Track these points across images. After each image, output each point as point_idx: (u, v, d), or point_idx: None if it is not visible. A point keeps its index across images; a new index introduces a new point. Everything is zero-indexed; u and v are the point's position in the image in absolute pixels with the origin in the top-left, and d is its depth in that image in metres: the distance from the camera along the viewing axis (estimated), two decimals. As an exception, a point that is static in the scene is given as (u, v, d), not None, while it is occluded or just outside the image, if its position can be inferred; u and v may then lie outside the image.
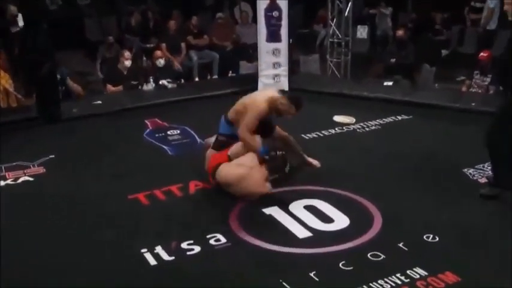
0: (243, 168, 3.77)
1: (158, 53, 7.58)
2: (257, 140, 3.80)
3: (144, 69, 7.84)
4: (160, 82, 7.16)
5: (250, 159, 3.79)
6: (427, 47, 8.68)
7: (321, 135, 5.36)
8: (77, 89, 6.63)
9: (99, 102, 6.46)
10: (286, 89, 7.04)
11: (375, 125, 5.67)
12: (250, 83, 6.87)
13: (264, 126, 4.06)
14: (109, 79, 7.12)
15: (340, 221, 3.54)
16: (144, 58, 8.49)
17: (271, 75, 6.97)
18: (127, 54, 7.09)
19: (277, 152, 3.87)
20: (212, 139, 4.30)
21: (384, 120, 5.78)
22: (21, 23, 7.23)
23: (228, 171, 3.83)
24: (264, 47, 7.06)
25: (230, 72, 8.37)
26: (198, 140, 5.28)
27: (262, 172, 3.76)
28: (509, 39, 3.56)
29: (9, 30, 7.33)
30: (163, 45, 8.22)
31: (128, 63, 7.04)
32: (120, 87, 6.98)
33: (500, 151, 3.61)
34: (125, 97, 6.65)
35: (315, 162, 4.41)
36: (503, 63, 3.56)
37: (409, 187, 4.05)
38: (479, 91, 6.58)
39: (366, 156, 4.71)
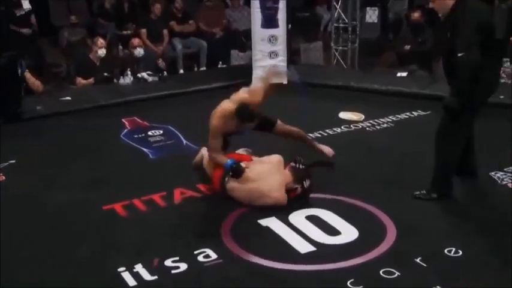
0: (268, 165, 3.96)
1: (136, 41, 7.60)
2: (223, 157, 4.00)
3: (120, 60, 7.85)
4: (139, 75, 7.17)
5: (276, 159, 4.00)
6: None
7: (325, 134, 5.38)
8: (34, 85, 6.52)
9: (68, 98, 6.46)
10: (285, 82, 7.07)
11: (387, 122, 5.70)
12: (243, 76, 6.90)
13: (261, 122, 4.22)
14: (79, 71, 7.11)
15: (348, 233, 3.56)
16: (120, 47, 8.49)
17: (268, 67, 6.99)
18: (100, 42, 7.10)
19: (300, 165, 4.00)
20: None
21: (397, 117, 5.81)
22: (26, 5, 7.48)
23: (252, 167, 3.96)
24: (259, 33, 7.09)
25: (220, 63, 8.39)
26: (184, 141, 5.29)
27: (286, 175, 3.92)
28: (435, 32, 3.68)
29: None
30: (143, 31, 8.23)
31: (101, 52, 7.04)
32: (91, 80, 6.97)
33: (445, 154, 3.80)
34: (98, 92, 6.66)
35: (327, 149, 4.56)
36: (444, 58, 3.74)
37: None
38: (509, 81, 6.55)
39: (377, 158, 4.73)
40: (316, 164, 4.33)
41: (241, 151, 4.40)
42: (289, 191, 3.92)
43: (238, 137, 4.31)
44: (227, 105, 4.06)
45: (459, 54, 3.51)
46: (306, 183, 3.95)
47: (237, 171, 3.90)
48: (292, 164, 4.01)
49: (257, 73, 7.05)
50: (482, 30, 3.56)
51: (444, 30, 3.77)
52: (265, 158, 4.09)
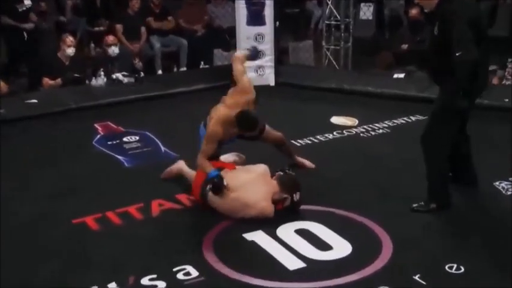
0: (252, 174, 3.97)
1: (111, 38, 7.57)
2: (210, 166, 4.00)
3: (92, 59, 7.82)
4: (113, 76, 7.15)
5: (261, 168, 4.02)
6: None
7: (316, 141, 5.40)
8: None
9: (35, 101, 6.42)
10: (272, 83, 7.09)
11: (383, 127, 5.73)
12: (227, 77, 6.90)
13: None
14: (45, 70, 7.04)
15: (341, 247, 3.56)
16: (93, 45, 8.47)
17: (253, 67, 7.02)
18: (69, 40, 7.06)
19: (286, 171, 4.02)
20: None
21: (394, 122, 5.85)
22: (27, 1, 7.66)
23: (235, 176, 3.97)
24: (244, 31, 7.11)
25: (202, 63, 8.40)
26: (163, 148, 5.28)
27: (272, 185, 3.93)
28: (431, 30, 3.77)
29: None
30: (118, 27, 8.19)
31: (70, 51, 7.00)
32: (58, 81, 6.91)
33: (435, 160, 3.88)
34: (68, 94, 6.62)
35: (308, 162, 4.67)
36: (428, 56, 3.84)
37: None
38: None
39: (372, 166, 4.76)
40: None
41: (230, 156, 4.40)
42: (276, 201, 3.92)
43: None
44: (225, 112, 4.07)
45: (457, 54, 3.56)
46: (296, 195, 3.95)
47: (216, 187, 3.88)
48: (280, 172, 4.02)
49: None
50: (473, 26, 3.64)
51: (430, 26, 3.83)
52: (250, 167, 4.10)
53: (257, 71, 7.12)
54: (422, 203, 3.96)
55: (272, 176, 4.02)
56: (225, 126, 4.04)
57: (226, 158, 4.36)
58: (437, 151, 3.89)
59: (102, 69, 7.15)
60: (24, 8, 7.73)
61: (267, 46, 7.14)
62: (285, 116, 5.63)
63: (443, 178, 3.97)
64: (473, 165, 4.22)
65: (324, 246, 3.58)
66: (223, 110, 4.10)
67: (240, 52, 4.68)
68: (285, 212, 3.93)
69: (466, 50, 3.55)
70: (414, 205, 3.97)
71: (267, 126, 4.47)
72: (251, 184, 3.92)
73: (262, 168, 4.04)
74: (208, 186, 3.93)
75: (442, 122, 3.82)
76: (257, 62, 7.07)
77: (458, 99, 3.70)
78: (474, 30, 3.63)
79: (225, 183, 3.88)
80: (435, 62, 3.85)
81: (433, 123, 3.88)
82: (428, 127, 3.91)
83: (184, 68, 8.50)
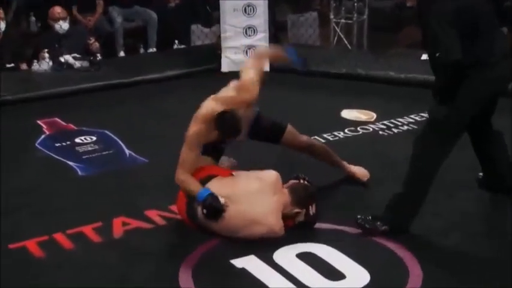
0: (259, 182, 3.95)
1: (58, 10, 7.55)
2: (196, 183, 3.96)
3: (33, 38, 7.79)
4: (61, 58, 7.14)
5: (271, 176, 4.01)
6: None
7: (322, 140, 5.40)
8: None
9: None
10: (267, 68, 7.07)
11: (408, 123, 5.76)
12: (209, 60, 6.93)
13: (264, 129, 4.32)
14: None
15: (356, 276, 3.56)
16: (33, 18, 8.42)
17: (242, 48, 7.03)
18: (-1, 11, 7.07)
19: (300, 179, 4.03)
20: None
21: (421, 116, 5.87)
22: None
23: (235, 183, 3.98)
24: (230, 2, 7.12)
25: (176, 42, 8.39)
26: (127, 151, 5.28)
27: (283, 195, 3.94)
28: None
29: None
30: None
31: (1, 26, 6.99)
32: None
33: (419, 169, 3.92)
34: (2, 83, 6.59)
35: (361, 171, 4.64)
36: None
37: (466, 220, 4.10)
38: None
39: (393, 173, 4.73)
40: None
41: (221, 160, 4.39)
42: (286, 217, 3.92)
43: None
44: (211, 106, 4.06)
45: (437, 55, 3.63)
46: (312, 209, 3.95)
47: (212, 210, 3.85)
48: (293, 180, 4.02)
49: (227, 57, 7.08)
50: (466, 15, 3.69)
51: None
52: (256, 173, 4.07)
53: (247, 53, 7.12)
54: (370, 217, 3.95)
55: (283, 184, 4.02)
56: (208, 126, 4.00)
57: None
58: (425, 162, 3.89)
59: (46, 51, 7.13)
60: None
61: (260, 20, 7.17)
62: (282, 110, 5.61)
63: (419, 196, 3.94)
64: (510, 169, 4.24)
65: (334, 274, 3.57)
66: (210, 104, 4.07)
67: (266, 48, 4.48)
68: (296, 230, 3.94)
69: (446, 50, 3.61)
70: (358, 216, 3.97)
71: (289, 127, 4.44)
72: (257, 194, 3.89)
73: (272, 174, 4.01)
74: (203, 211, 3.89)
75: (442, 132, 3.83)
76: (247, 41, 7.08)
77: (435, 107, 3.75)
78: (466, 21, 3.67)
79: (222, 201, 3.84)
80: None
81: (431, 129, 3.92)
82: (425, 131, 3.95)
83: (154, 49, 8.50)
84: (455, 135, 3.86)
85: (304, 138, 4.55)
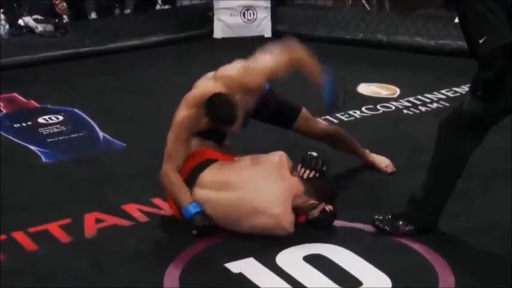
0: (263, 166, 3.97)
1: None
2: (183, 188, 4.00)
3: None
4: (20, 21, 7.14)
5: (275, 158, 4.01)
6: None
7: (336, 121, 5.46)
8: None
9: None
10: (268, 34, 7.11)
11: (439, 99, 5.79)
12: (198, 24, 6.92)
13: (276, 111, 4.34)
14: None
15: (375, 282, 3.58)
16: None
17: (239, 9, 7.03)
18: None
19: (319, 168, 4.03)
20: None
21: (455, 91, 5.91)
22: None
23: (236, 168, 4.01)
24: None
25: (159, 2, 8.40)
26: (100, 134, 5.30)
27: (293, 183, 3.94)
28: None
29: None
30: None
31: None
32: None
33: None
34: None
35: (384, 161, 4.64)
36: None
37: (505, 218, 4.08)
38: None
39: (419, 160, 4.76)
40: None
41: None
42: (299, 209, 3.95)
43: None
44: (210, 86, 4.03)
45: (480, 41, 3.59)
46: (328, 205, 3.98)
47: (202, 231, 3.90)
48: (301, 167, 4.03)
49: (221, 20, 7.08)
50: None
51: None
52: (259, 156, 4.08)
53: (245, 15, 7.12)
54: (389, 217, 3.99)
55: (292, 170, 4.03)
56: (198, 111, 3.97)
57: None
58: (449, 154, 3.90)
59: (2, 11, 7.14)
60: None
61: (260, -24, 7.18)
62: (288, 84, 5.63)
63: (443, 191, 3.97)
64: None
65: (349, 281, 3.59)
66: (209, 84, 4.05)
67: (304, 50, 4.30)
68: (308, 228, 3.96)
69: (492, 34, 3.60)
70: (376, 217, 3.99)
71: (303, 110, 4.46)
72: (261, 179, 3.92)
73: (277, 157, 4.01)
74: (192, 231, 3.94)
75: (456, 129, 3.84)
76: (244, 1, 7.09)
77: (472, 102, 3.74)
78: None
79: (209, 220, 3.89)
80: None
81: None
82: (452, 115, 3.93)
83: (131, 10, 8.54)
84: (488, 129, 3.85)
85: (322, 124, 4.57)
